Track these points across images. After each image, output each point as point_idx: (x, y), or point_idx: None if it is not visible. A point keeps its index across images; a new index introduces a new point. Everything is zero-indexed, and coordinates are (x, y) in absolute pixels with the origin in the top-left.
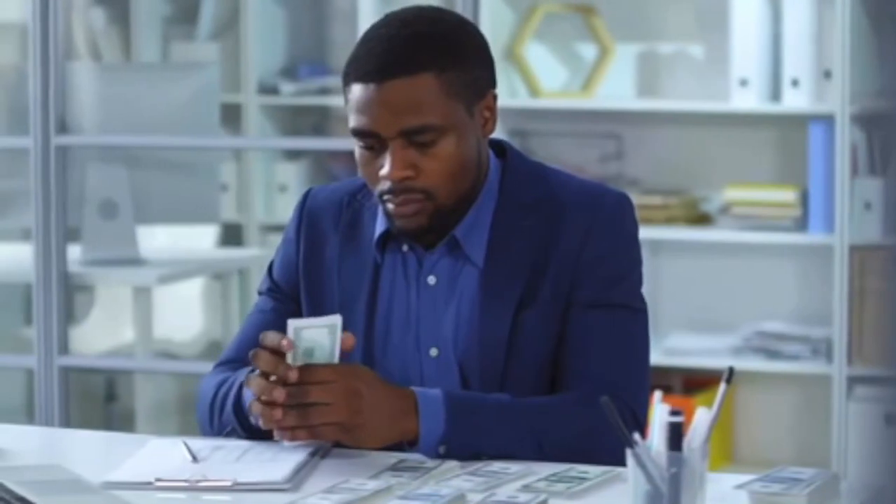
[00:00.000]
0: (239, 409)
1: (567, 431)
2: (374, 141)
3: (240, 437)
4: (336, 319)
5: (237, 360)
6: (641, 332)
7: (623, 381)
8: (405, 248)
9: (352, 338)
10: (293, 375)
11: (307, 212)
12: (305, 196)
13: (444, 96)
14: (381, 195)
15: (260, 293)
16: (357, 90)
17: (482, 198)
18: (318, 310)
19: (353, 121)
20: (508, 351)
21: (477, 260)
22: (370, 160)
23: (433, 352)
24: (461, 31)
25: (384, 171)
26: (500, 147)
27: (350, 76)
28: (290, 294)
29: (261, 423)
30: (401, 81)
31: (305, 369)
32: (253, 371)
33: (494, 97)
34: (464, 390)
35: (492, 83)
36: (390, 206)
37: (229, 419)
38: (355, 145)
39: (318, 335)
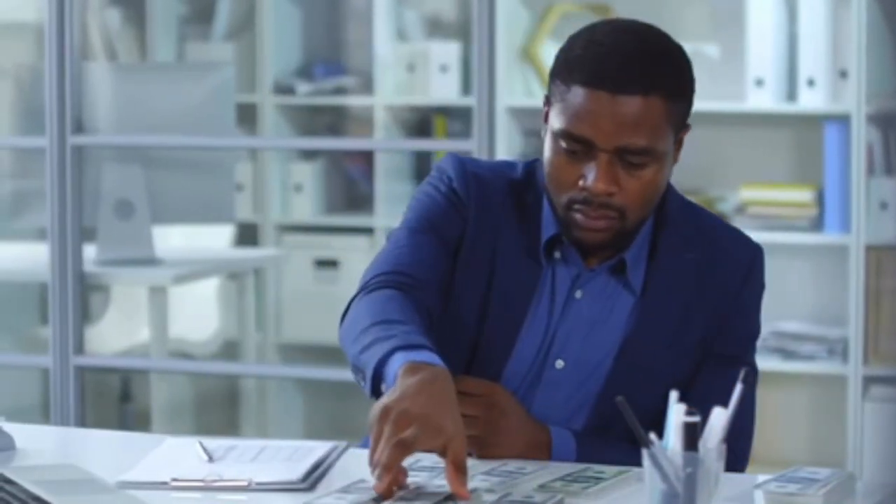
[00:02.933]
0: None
1: None
2: (582, 147)
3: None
4: None
5: (393, 272)
6: (755, 395)
7: (742, 440)
8: (557, 254)
9: None
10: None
11: (474, 177)
12: (460, 162)
13: (666, 123)
14: (570, 202)
15: (408, 228)
16: (581, 94)
17: (647, 225)
18: (460, 279)
19: (567, 122)
20: (645, 383)
21: (636, 286)
22: (568, 164)
23: (559, 363)
24: (686, 60)
25: (588, 181)
26: None
27: (576, 77)
28: (445, 238)
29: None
30: (637, 99)
31: (457, 378)
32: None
33: (687, 131)
34: (589, 425)
35: (689, 117)
36: (580, 216)
37: (360, 372)
38: (550, 143)
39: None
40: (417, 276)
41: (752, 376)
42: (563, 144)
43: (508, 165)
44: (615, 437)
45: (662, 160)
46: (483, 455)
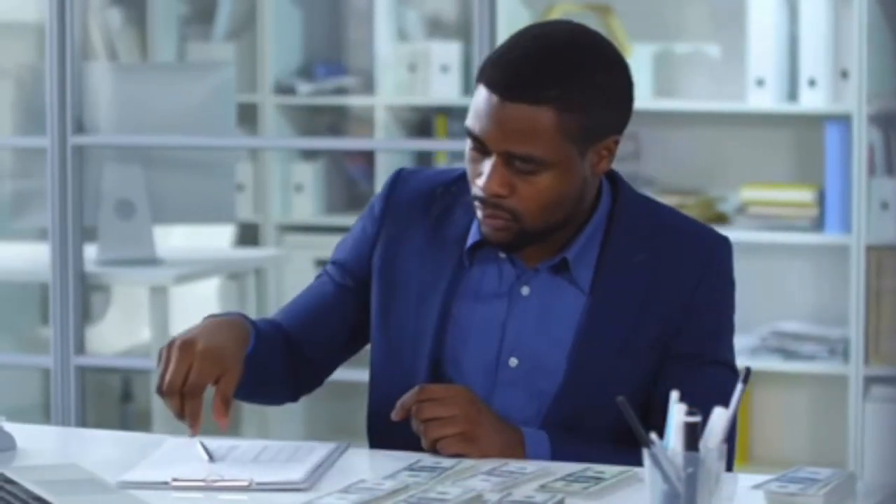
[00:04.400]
0: None
1: None
2: (480, 146)
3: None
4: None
5: (283, 319)
6: (732, 389)
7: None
8: (502, 255)
9: None
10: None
11: (397, 194)
12: (396, 177)
13: (557, 135)
14: (474, 197)
15: (329, 263)
16: (482, 93)
17: (594, 222)
18: (390, 294)
19: (468, 119)
20: (601, 384)
21: (583, 285)
22: (475, 160)
23: (513, 362)
24: (601, 72)
25: (480, 180)
26: (610, 174)
27: (481, 76)
28: (353, 272)
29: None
30: (522, 107)
31: (420, 389)
32: None
33: (616, 142)
34: (545, 426)
35: (616, 128)
36: (479, 213)
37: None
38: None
39: None
40: (303, 334)
41: (733, 376)
42: (469, 141)
43: (450, 171)
44: (586, 436)
45: (559, 170)
46: (475, 450)
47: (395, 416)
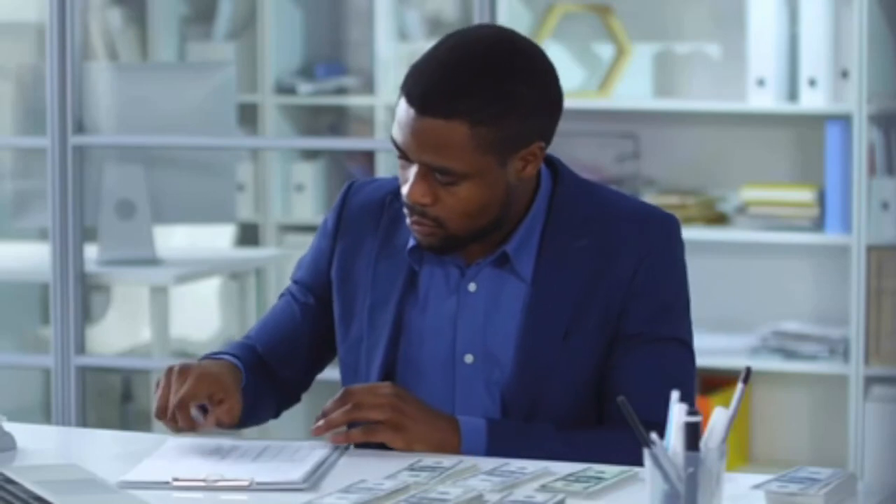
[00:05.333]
0: None
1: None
2: (404, 154)
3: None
4: None
5: (255, 343)
6: (687, 365)
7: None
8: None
9: None
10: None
11: (348, 207)
12: (347, 190)
13: (472, 148)
14: (403, 203)
15: (291, 283)
16: (402, 105)
17: (533, 212)
18: (348, 308)
19: (392, 128)
20: (550, 372)
21: (525, 275)
22: (401, 168)
23: (468, 358)
24: (518, 83)
25: (404, 189)
26: (550, 162)
27: (404, 86)
28: (314, 289)
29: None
30: (435, 122)
31: (343, 391)
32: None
33: (542, 148)
34: (505, 417)
35: (541, 135)
36: (408, 219)
37: None
38: None
39: None
40: (275, 356)
41: (685, 351)
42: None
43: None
44: (540, 427)
45: (478, 180)
46: (401, 440)
47: (314, 431)
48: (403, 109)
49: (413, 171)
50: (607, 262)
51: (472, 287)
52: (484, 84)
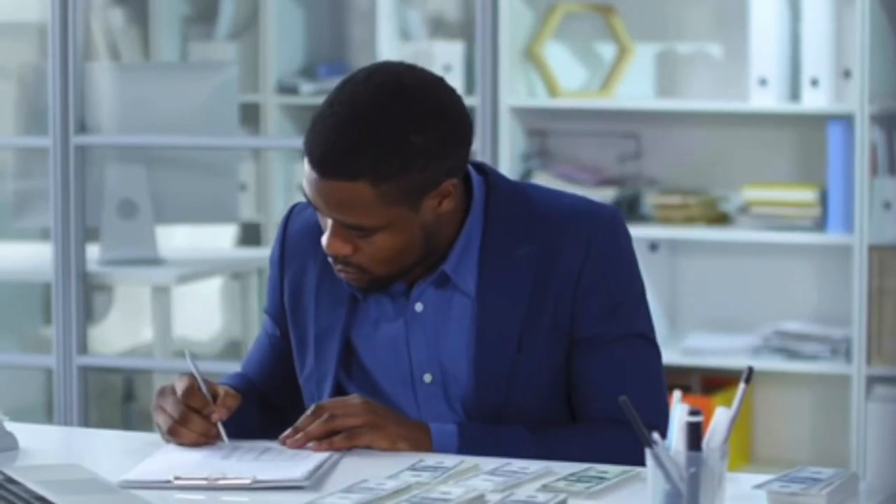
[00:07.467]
0: None
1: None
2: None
3: None
4: None
5: (250, 376)
6: (648, 359)
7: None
8: None
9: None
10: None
11: (289, 234)
12: (287, 216)
13: (377, 204)
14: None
15: (264, 312)
16: (306, 164)
17: (467, 228)
18: (301, 340)
19: (304, 183)
20: (509, 384)
21: (468, 290)
22: (321, 217)
23: (427, 378)
24: (414, 132)
25: (323, 240)
26: (481, 169)
27: (305, 146)
28: (278, 321)
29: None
30: (341, 184)
31: (314, 406)
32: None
33: (454, 184)
34: (476, 422)
35: (450, 173)
36: (332, 266)
37: None
38: None
39: None
40: (264, 385)
41: (645, 344)
42: None
43: None
44: (511, 428)
45: (391, 229)
46: (379, 443)
47: (290, 442)
48: (308, 168)
49: (329, 222)
50: (551, 266)
51: (418, 307)
52: (379, 141)
